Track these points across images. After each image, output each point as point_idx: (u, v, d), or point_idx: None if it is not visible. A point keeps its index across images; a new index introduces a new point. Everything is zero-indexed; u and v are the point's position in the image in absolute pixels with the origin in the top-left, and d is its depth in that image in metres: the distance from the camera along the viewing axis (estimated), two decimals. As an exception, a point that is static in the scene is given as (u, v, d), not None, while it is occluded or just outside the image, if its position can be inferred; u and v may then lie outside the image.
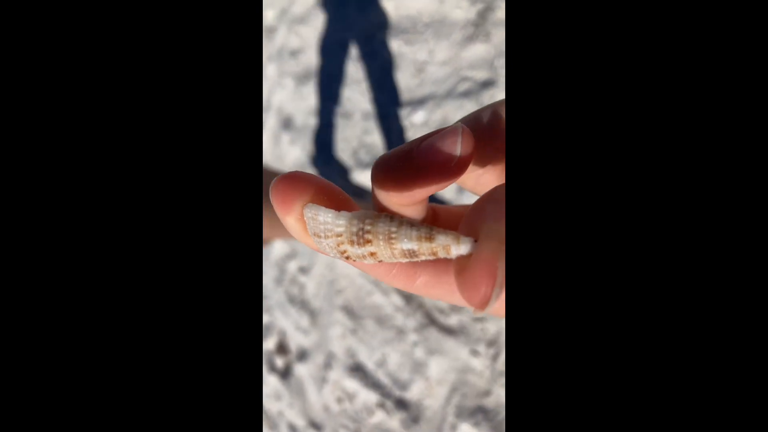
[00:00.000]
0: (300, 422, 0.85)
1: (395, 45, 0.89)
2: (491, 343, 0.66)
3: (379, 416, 0.73)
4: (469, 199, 0.71)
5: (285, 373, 0.90)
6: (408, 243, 0.13)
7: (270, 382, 0.92)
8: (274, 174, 0.38)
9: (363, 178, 0.86)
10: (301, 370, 0.87)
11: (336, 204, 0.14)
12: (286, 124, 1.07)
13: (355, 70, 0.94)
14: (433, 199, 0.74)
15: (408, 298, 0.75)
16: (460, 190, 0.74)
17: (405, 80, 0.87)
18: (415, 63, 0.84)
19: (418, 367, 0.70)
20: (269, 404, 0.92)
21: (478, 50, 0.78)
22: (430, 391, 0.68)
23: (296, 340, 0.89)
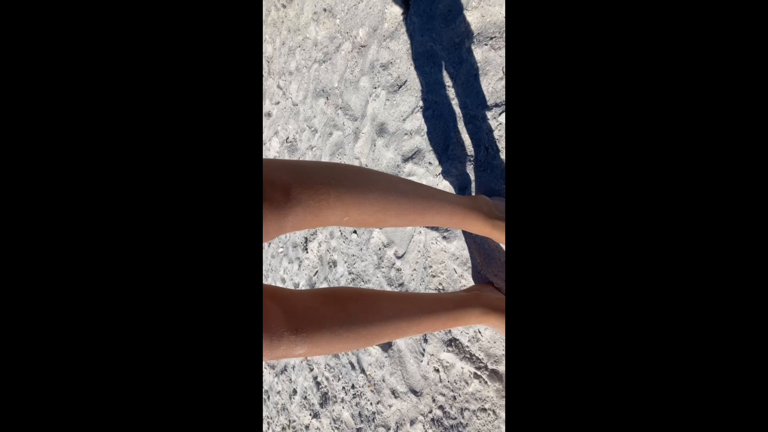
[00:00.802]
0: (401, 388, 0.93)
1: (481, 51, 0.92)
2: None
3: (475, 386, 0.78)
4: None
5: (386, 346, 0.98)
6: None
7: (372, 353, 1.02)
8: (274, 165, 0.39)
9: (456, 171, 0.91)
10: (400, 343, 0.95)
11: None
12: (380, 130, 1.15)
13: (443, 77, 0.99)
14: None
15: (498, 281, 0.79)
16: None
17: (492, 84, 0.91)
18: (502, 67, 0.87)
19: (510, 344, 0.74)
20: (372, 371, 1.01)
21: (563, 50, 0.79)
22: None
23: (395, 318, 0.97)
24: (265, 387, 1.55)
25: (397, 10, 1.16)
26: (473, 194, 0.86)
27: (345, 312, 0.49)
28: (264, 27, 2.03)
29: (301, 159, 1.54)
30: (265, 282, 1.67)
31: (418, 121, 1.03)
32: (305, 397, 1.28)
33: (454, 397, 0.81)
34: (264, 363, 1.58)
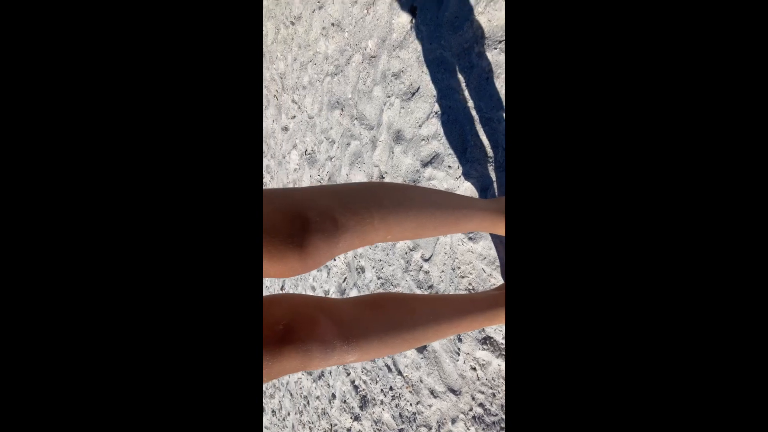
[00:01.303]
0: (439, 388, 0.95)
1: (491, 55, 0.93)
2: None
3: (512, 381, 0.79)
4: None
5: (421, 347, 1.00)
6: None
7: (408, 355, 1.04)
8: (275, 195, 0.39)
9: (476, 173, 0.92)
10: (435, 344, 0.96)
11: None
12: (397, 137, 1.17)
13: (455, 82, 1.01)
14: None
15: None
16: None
17: (504, 86, 0.92)
18: (513, 68, 0.87)
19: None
20: (409, 372, 1.03)
21: (574, 46, 0.79)
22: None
23: (428, 320, 0.98)
24: (305, 393, 1.59)
25: (404, 20, 1.18)
26: (496, 195, 0.87)
27: (388, 318, 0.51)
28: (275, 45, 2.07)
29: (321, 170, 1.57)
30: (295, 291, 1.71)
31: (434, 127, 1.05)
32: (344, 400, 1.31)
33: (494, 394, 0.82)
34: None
